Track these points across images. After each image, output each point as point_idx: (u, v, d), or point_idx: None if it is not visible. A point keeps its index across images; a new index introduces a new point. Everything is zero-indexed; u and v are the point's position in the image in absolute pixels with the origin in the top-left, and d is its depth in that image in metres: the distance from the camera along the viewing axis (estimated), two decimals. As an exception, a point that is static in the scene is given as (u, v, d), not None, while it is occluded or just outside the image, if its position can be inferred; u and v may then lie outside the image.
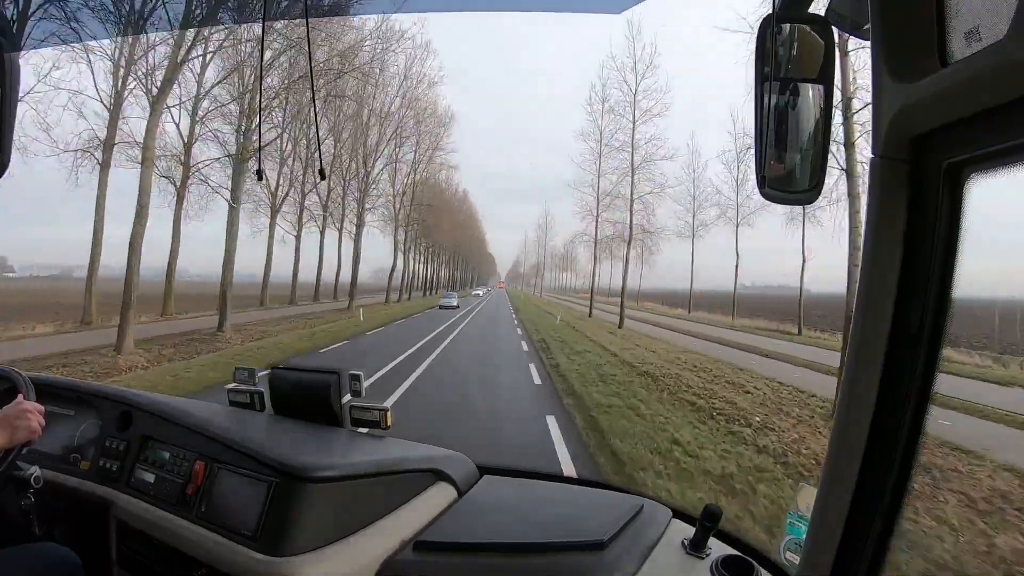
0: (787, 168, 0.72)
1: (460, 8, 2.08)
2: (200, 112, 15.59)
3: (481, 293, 54.63)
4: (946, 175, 0.58)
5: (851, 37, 0.73)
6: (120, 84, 14.19)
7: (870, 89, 0.62)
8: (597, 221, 22.97)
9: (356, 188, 25.56)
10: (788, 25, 0.70)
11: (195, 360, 10.18)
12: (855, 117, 7.36)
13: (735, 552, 1.09)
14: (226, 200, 14.81)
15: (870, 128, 0.63)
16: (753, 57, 0.72)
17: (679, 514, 1.27)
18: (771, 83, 0.70)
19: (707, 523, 1.08)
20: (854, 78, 7.36)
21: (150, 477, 1.38)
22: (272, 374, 1.64)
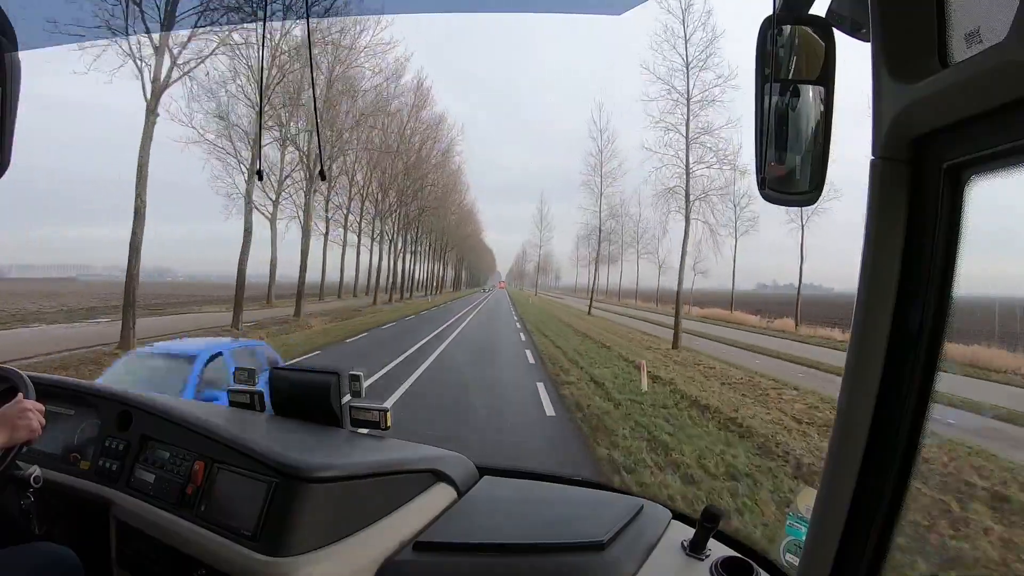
0: (787, 169, 0.72)
1: (460, 9, 2.08)
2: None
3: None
4: (946, 176, 0.58)
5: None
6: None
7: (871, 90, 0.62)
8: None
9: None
10: (788, 26, 0.70)
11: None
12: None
13: (734, 553, 1.09)
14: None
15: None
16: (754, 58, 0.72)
17: (679, 515, 1.27)
18: (771, 84, 0.70)
19: (707, 524, 1.08)
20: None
21: (150, 477, 1.38)
22: (272, 374, 1.64)
